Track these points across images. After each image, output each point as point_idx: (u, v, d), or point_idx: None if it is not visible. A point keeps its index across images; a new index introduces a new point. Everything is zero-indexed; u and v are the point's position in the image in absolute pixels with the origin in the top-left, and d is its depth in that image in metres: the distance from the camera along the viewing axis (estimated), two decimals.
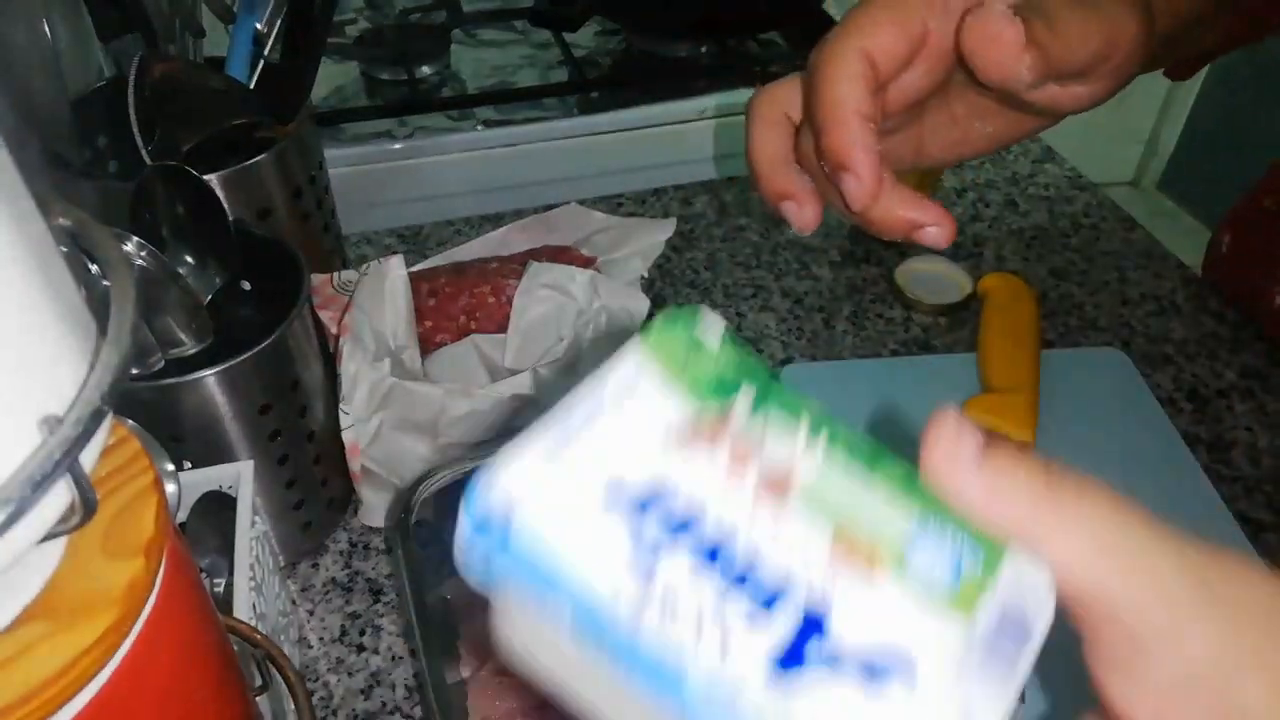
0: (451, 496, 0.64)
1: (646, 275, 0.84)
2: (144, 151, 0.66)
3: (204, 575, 0.55)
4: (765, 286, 0.89)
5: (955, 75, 0.43)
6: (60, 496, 0.24)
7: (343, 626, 0.63)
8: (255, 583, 0.52)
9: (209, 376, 0.54)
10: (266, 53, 0.74)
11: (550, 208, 0.91)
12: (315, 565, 0.66)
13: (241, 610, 0.50)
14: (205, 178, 0.66)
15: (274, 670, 0.47)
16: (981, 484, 0.24)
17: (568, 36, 1.26)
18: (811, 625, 0.21)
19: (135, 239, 0.58)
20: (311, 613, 0.64)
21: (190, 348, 0.60)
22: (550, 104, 1.14)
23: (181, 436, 0.56)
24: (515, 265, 0.79)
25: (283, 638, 0.58)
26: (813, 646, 0.20)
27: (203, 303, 0.59)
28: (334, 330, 0.69)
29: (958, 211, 0.98)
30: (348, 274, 0.74)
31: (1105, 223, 0.97)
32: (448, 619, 0.61)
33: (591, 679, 0.23)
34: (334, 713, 0.59)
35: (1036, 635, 0.23)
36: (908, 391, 0.77)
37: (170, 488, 0.52)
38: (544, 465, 0.23)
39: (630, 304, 0.75)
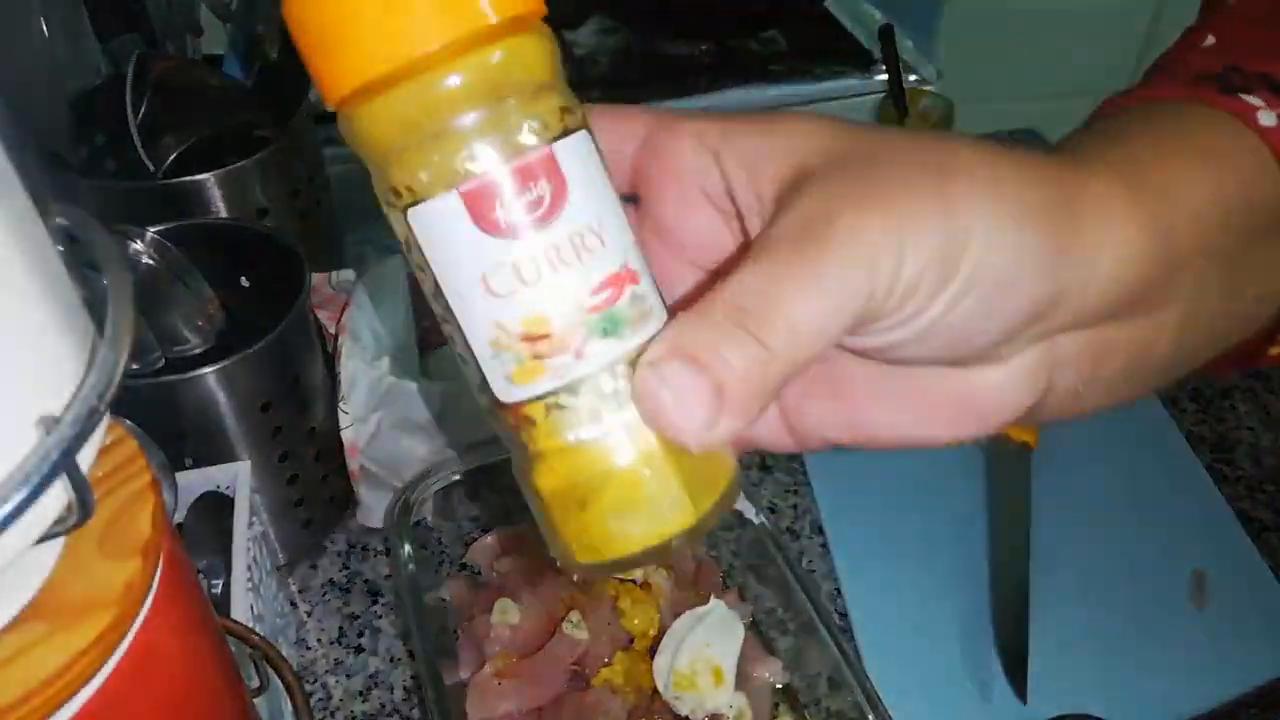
0: (450, 497, 0.64)
1: None
2: (141, 151, 0.66)
3: (201, 576, 0.55)
4: None
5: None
6: (57, 497, 0.24)
7: (341, 628, 0.63)
8: (253, 583, 0.52)
9: (210, 374, 0.54)
10: (265, 52, 0.74)
11: None
12: (314, 566, 0.66)
13: (239, 611, 0.50)
14: (203, 177, 0.66)
15: (272, 671, 0.47)
16: None
17: (568, 34, 1.26)
18: None
19: (148, 236, 0.58)
20: (310, 614, 0.64)
21: (195, 346, 0.60)
22: None
23: (184, 433, 0.56)
24: None
25: (281, 639, 0.58)
26: None
27: (213, 301, 0.60)
28: (332, 329, 0.69)
29: None
30: (345, 273, 0.74)
31: None
32: (446, 620, 0.61)
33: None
34: (332, 714, 0.58)
35: None
36: None
37: (167, 488, 0.52)
38: None
39: None
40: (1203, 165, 0.32)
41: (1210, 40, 0.39)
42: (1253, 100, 0.34)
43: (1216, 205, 0.31)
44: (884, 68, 1.04)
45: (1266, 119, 0.33)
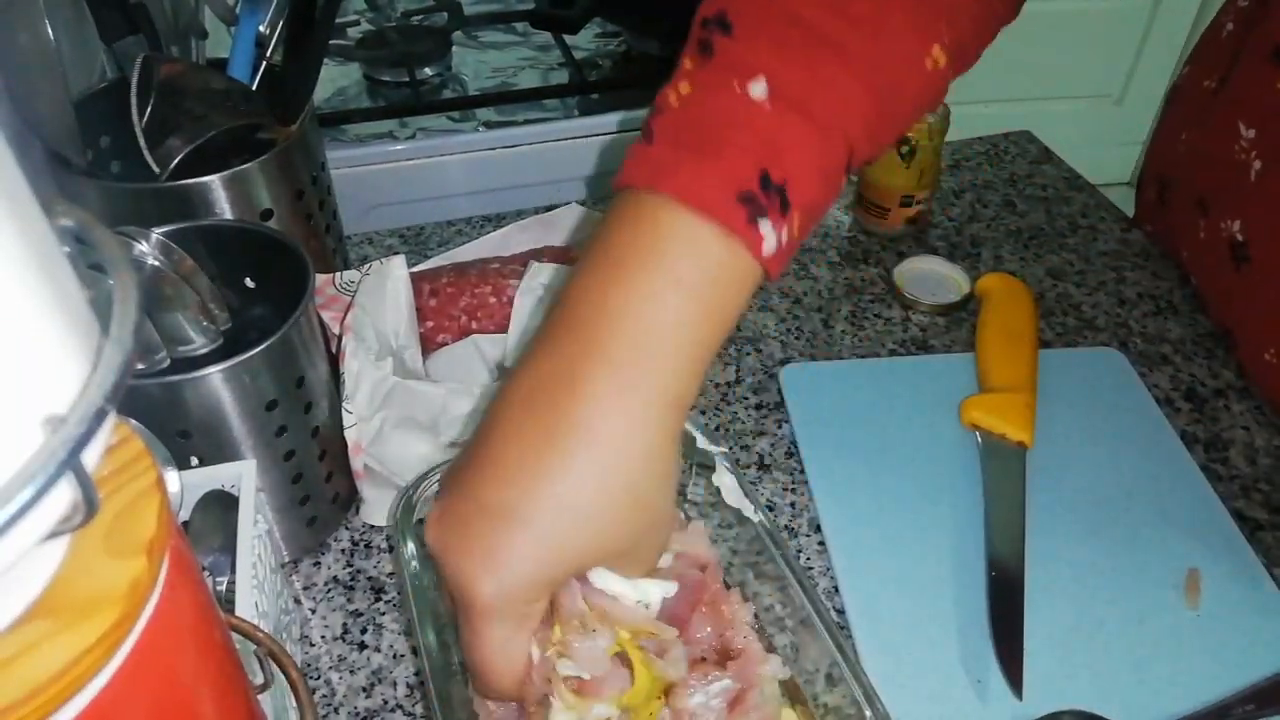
0: None
1: None
2: (147, 153, 0.67)
3: (206, 574, 0.55)
4: (764, 286, 0.89)
5: None
6: (63, 495, 0.24)
7: (345, 624, 0.63)
8: (257, 581, 0.53)
9: (216, 374, 0.55)
10: (269, 54, 0.75)
11: (551, 208, 0.91)
12: (317, 564, 0.67)
13: (244, 608, 0.50)
14: (207, 179, 0.66)
15: (276, 668, 0.47)
16: None
17: (568, 39, 1.26)
18: None
19: (153, 238, 0.58)
20: (314, 611, 0.64)
21: (201, 346, 0.60)
22: (551, 105, 1.15)
23: (189, 432, 0.56)
24: (516, 265, 0.80)
25: (285, 636, 0.58)
26: None
27: (218, 302, 0.60)
28: (336, 330, 0.70)
29: (956, 211, 0.98)
30: (350, 274, 0.74)
31: (1103, 223, 0.97)
32: (449, 617, 0.61)
33: None
34: (336, 710, 0.59)
35: None
36: (906, 391, 0.77)
37: (173, 487, 0.52)
38: None
39: None
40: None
41: (760, 90, 0.43)
42: (765, 230, 0.41)
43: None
44: None
45: (768, 248, 0.42)
